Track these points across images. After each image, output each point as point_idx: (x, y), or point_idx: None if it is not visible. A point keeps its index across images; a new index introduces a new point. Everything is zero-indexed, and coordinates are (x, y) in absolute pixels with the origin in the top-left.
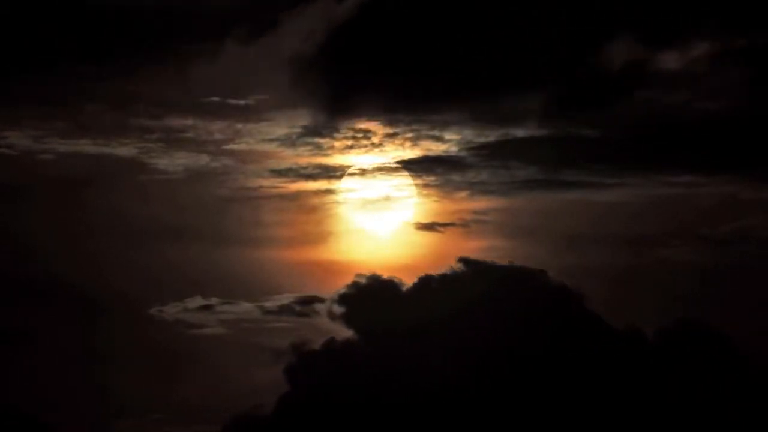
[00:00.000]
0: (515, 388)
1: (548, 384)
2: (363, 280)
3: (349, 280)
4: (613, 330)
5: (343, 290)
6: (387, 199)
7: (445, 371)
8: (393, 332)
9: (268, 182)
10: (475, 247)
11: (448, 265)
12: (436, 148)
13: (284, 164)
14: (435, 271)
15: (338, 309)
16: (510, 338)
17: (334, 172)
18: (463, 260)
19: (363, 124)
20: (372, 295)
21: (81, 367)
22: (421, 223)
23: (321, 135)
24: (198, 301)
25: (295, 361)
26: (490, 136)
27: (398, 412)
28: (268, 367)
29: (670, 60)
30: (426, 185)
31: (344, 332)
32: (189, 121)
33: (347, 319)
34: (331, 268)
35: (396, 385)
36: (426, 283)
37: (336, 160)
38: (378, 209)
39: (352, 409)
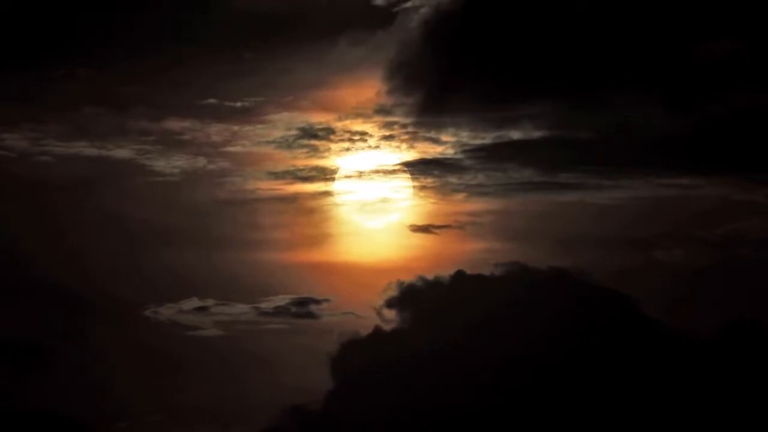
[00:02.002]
0: (562, 387)
1: (599, 386)
2: (407, 282)
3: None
4: (672, 333)
5: (390, 293)
6: (384, 201)
7: (494, 373)
8: (443, 333)
9: (265, 184)
10: (471, 249)
11: (484, 267)
12: (432, 150)
13: (281, 166)
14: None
15: (388, 312)
16: (555, 339)
17: (331, 174)
18: (495, 264)
19: (360, 126)
20: (419, 297)
21: (77, 367)
22: (417, 225)
23: (317, 137)
24: (194, 302)
25: (344, 357)
26: (487, 138)
27: (445, 412)
28: (267, 368)
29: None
30: (423, 187)
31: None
32: (186, 124)
33: (399, 322)
34: (327, 270)
35: (442, 385)
36: (463, 282)
37: (333, 162)
38: (375, 211)
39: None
